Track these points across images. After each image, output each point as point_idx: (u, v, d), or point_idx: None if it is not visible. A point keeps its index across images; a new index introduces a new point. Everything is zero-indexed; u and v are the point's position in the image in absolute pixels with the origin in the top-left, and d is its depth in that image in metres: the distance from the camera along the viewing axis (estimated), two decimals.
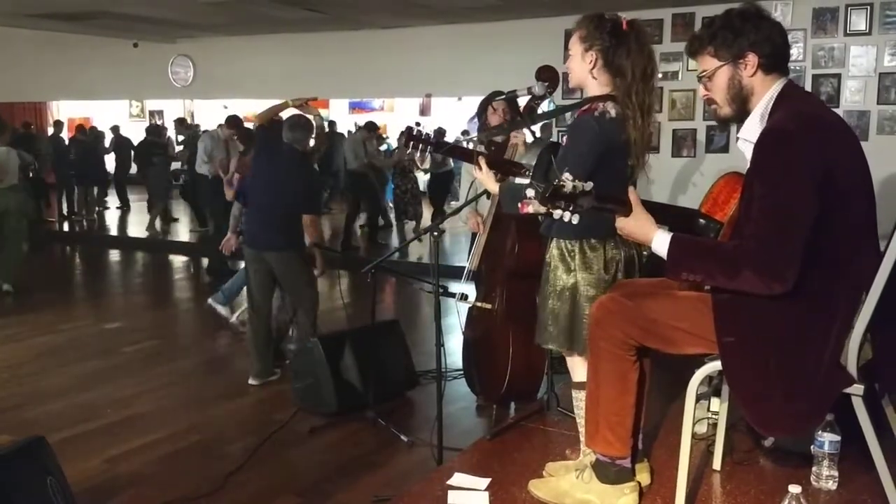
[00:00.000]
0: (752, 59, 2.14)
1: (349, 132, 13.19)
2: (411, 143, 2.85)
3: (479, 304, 4.14)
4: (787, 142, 1.99)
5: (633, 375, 2.39)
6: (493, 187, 2.80)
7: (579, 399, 2.72)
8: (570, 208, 2.03)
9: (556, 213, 2.04)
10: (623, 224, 2.19)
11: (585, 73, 2.58)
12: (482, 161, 2.80)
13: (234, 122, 8.31)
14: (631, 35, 2.55)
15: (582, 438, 2.68)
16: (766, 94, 2.16)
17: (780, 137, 2.00)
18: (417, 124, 2.76)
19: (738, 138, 2.25)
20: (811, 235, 1.97)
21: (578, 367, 2.73)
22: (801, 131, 1.99)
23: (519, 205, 2.17)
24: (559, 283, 2.64)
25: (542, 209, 2.20)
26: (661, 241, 2.13)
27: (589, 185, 2.04)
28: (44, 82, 11.76)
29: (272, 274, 4.86)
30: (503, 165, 2.96)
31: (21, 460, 2.50)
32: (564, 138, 2.64)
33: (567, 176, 2.05)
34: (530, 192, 2.13)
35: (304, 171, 4.89)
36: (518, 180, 2.83)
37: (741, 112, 2.21)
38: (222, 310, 6.21)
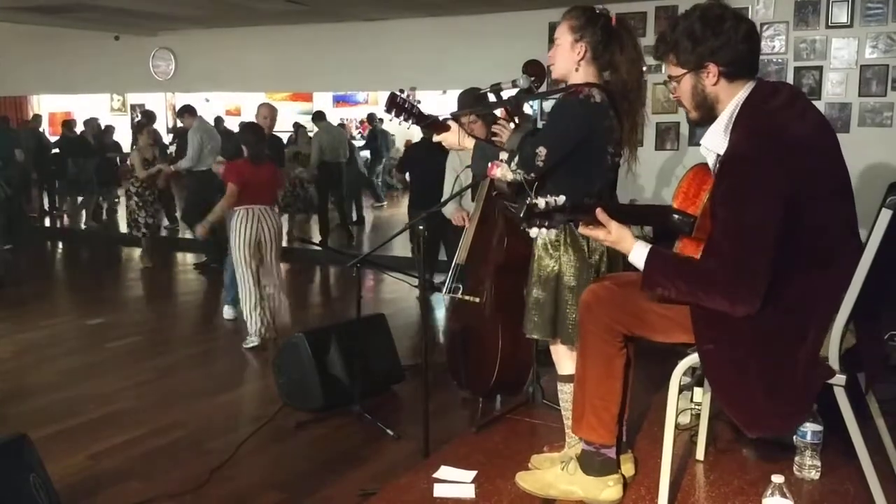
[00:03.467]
0: (712, 69, 2.11)
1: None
2: (393, 110, 2.69)
3: (466, 297, 4.13)
4: (747, 167, 1.99)
5: (620, 361, 2.40)
6: (468, 142, 2.65)
7: (565, 392, 2.73)
8: (546, 224, 2.07)
9: (533, 232, 2.09)
10: (604, 238, 2.20)
11: (571, 63, 2.56)
12: (453, 123, 2.67)
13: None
14: (622, 32, 2.56)
15: (567, 430, 2.69)
16: (731, 101, 2.14)
17: (740, 162, 2.01)
18: (401, 91, 2.58)
19: (700, 145, 2.24)
20: (791, 239, 1.98)
21: (564, 360, 2.74)
22: (761, 153, 1.99)
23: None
24: (543, 271, 2.65)
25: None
26: (638, 256, 2.15)
27: (562, 199, 2.09)
28: (23, 76, 11.61)
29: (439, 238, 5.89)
30: (482, 141, 2.92)
31: (3, 457, 2.48)
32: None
33: (555, 199, 2.08)
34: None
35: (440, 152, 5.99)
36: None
37: (709, 117, 2.20)
38: (233, 312, 6.14)
